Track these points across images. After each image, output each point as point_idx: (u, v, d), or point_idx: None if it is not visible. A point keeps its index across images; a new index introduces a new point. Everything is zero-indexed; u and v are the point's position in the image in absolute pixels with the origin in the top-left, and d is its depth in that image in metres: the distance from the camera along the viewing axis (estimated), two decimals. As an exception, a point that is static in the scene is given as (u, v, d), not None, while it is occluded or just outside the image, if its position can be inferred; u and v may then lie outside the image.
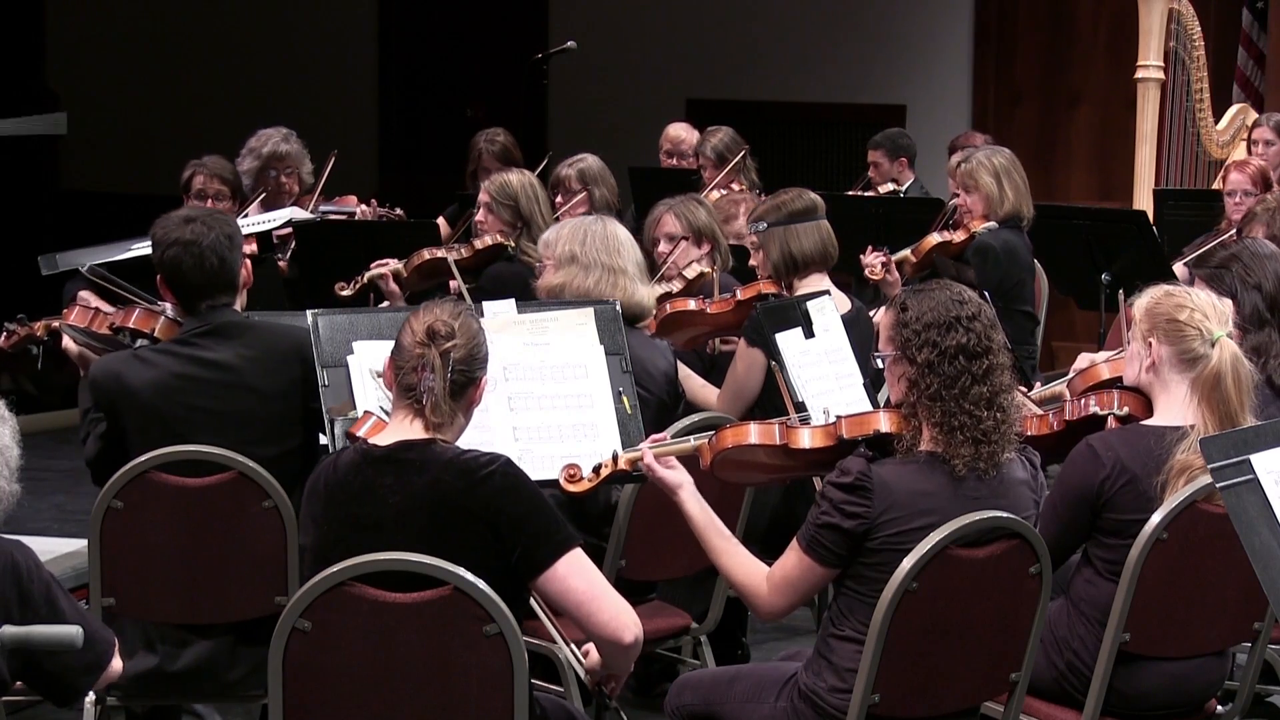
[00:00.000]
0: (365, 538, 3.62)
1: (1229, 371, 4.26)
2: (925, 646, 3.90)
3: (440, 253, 6.59)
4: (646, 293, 5.39)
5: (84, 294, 5.50)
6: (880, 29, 11.64)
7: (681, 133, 9.25)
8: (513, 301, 4.83)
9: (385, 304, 6.49)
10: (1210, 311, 4.32)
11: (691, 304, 5.95)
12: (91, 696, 4.39)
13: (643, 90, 11.88)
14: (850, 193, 9.01)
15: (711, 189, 8.18)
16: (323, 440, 4.48)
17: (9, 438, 3.41)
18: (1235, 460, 2.74)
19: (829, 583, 4.02)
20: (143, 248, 5.46)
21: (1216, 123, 9.16)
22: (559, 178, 7.43)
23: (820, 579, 3.98)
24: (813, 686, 3.99)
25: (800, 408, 4.90)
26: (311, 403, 4.49)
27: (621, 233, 5.41)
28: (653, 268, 6.06)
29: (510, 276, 6.36)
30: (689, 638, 5.14)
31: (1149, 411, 4.38)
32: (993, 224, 7.18)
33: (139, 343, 4.95)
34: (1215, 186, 8.63)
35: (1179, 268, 7.04)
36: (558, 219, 6.63)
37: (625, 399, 4.68)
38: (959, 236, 7.21)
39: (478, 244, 6.63)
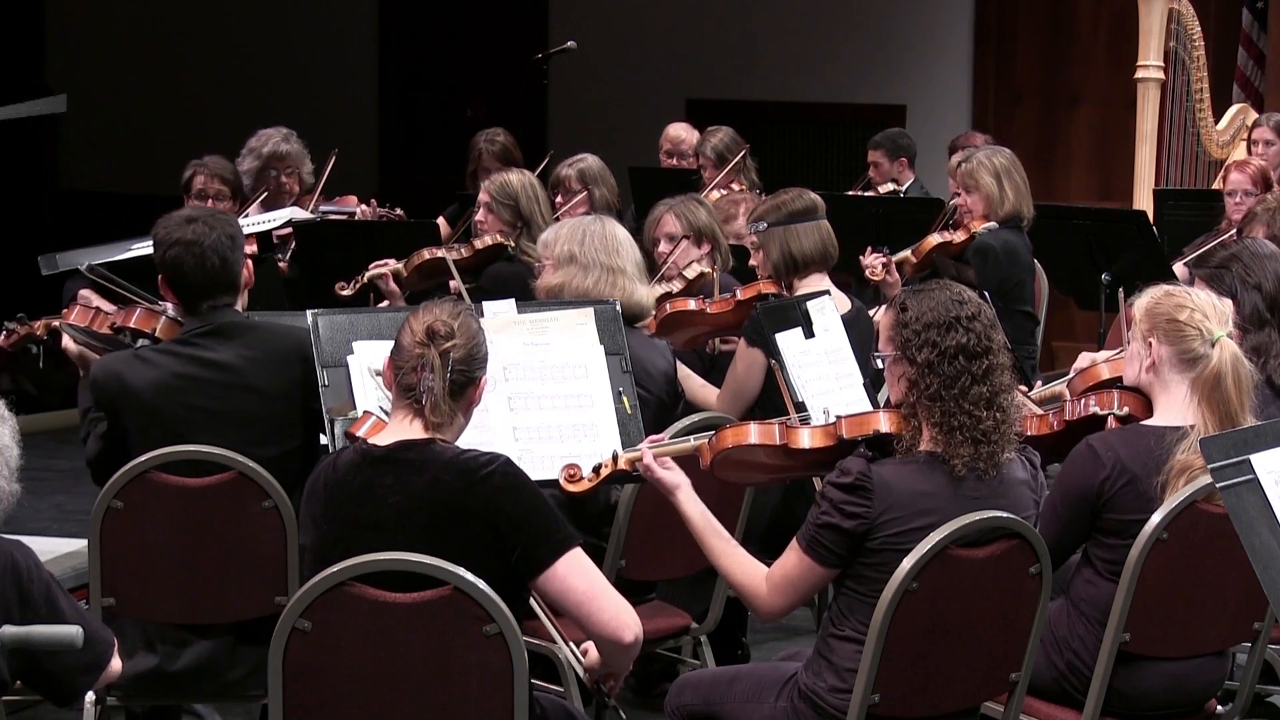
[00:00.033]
0: (365, 538, 3.62)
1: (1229, 372, 4.26)
2: (925, 646, 3.90)
3: (440, 253, 6.58)
4: (646, 292, 5.39)
5: (84, 293, 5.48)
6: (880, 29, 11.64)
7: (681, 133, 9.24)
8: (513, 301, 4.83)
9: (385, 304, 6.49)
10: (1210, 311, 4.32)
11: (691, 304, 5.94)
12: (91, 696, 4.39)
13: (643, 90, 11.88)
14: (850, 193, 9.00)
15: (711, 189, 8.17)
16: (323, 440, 4.48)
17: (9, 438, 3.41)
18: (1235, 460, 2.74)
19: (829, 583, 4.02)
20: (143, 247, 5.45)
21: (1216, 123, 9.16)
22: (559, 178, 7.43)
23: (820, 579, 3.98)
24: (813, 686, 3.99)
25: (800, 408, 4.90)
26: (312, 403, 4.48)
27: (620, 233, 5.41)
28: (653, 268, 6.06)
29: (510, 276, 6.36)
30: (689, 638, 5.14)
31: (1149, 411, 4.38)
32: (993, 224, 7.18)
33: (140, 342, 4.94)
34: (1215, 186, 8.62)
35: (1179, 268, 7.03)
36: (558, 219, 6.62)
37: (625, 399, 4.68)
38: (959, 237, 7.20)
39: (478, 244, 6.62)
